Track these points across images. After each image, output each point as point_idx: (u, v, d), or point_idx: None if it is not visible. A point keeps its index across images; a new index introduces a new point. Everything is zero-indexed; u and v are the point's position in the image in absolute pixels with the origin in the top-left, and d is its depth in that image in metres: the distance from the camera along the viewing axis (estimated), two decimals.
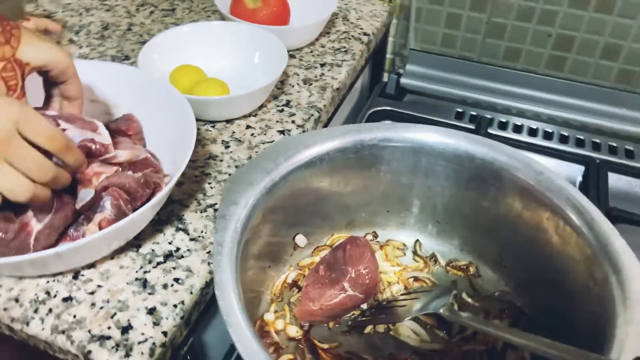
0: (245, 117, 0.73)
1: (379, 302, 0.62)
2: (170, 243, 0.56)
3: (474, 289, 0.64)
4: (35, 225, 0.47)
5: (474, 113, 1.01)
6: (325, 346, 0.57)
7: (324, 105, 0.77)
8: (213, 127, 0.72)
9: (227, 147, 0.69)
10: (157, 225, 0.58)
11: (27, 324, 0.48)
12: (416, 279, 0.64)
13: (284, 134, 0.71)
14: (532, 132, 0.98)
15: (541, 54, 1.02)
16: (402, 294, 0.63)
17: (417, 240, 0.69)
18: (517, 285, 0.63)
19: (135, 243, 0.56)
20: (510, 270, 0.63)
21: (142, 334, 0.48)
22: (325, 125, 0.81)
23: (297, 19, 0.92)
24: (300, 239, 0.65)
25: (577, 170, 0.91)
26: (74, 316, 0.49)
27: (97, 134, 0.52)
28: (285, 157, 0.56)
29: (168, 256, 0.55)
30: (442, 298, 0.56)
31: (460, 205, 0.64)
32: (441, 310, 0.54)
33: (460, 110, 1.02)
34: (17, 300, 0.50)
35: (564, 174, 0.92)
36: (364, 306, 0.62)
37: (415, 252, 0.68)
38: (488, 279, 0.65)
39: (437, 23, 1.05)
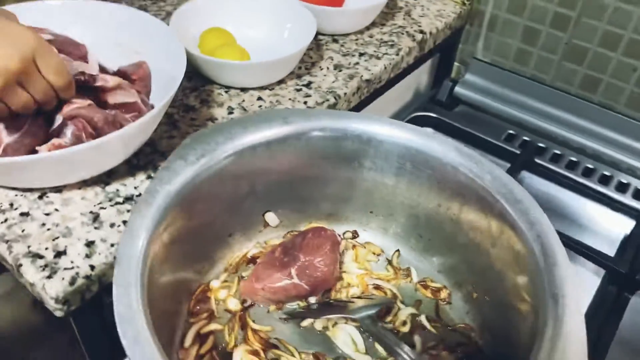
0: (260, 88, 0.73)
1: (329, 300, 0.59)
2: (135, 188, 0.58)
3: (438, 314, 0.59)
4: (5, 137, 0.51)
5: (527, 139, 0.92)
6: (257, 327, 0.56)
7: (344, 93, 0.74)
8: (226, 92, 0.72)
9: (230, 113, 0.69)
10: (132, 169, 0.60)
11: None
12: (377, 287, 0.60)
13: None
14: (588, 173, 0.87)
15: (622, 90, 0.90)
16: (353, 297, 0.59)
17: (398, 250, 0.64)
18: (483, 323, 0.56)
19: (105, 180, 0.58)
20: (480, 305, 0.57)
21: (72, 262, 0.50)
22: None
23: (354, 3, 0.90)
24: (271, 217, 0.63)
25: (625, 224, 0.80)
26: (23, 230, 0.52)
27: (85, 62, 0.54)
28: (258, 127, 0.55)
29: (128, 199, 0.57)
30: (372, 308, 0.52)
31: (442, 222, 0.59)
32: (356, 316, 0.50)
33: (513, 132, 0.93)
34: None
35: (608, 225, 0.81)
36: (313, 300, 0.59)
37: (390, 261, 0.63)
38: (457, 308, 0.59)
39: (513, 35, 0.96)
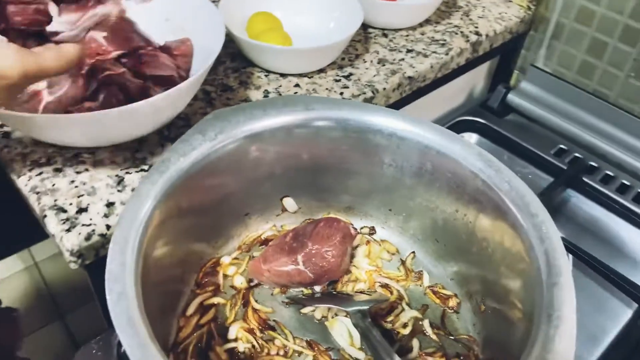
0: (300, 75, 0.74)
1: (332, 291, 0.59)
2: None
3: (443, 322, 0.57)
4: (46, 96, 0.54)
5: (578, 155, 0.87)
6: (257, 307, 0.57)
7: (384, 88, 0.73)
8: (266, 76, 0.73)
9: (265, 96, 0.70)
10: (162, 139, 0.63)
11: (19, 177, 0.57)
12: (385, 285, 0.59)
13: None
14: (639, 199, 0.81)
15: None
16: (357, 292, 0.58)
17: (413, 252, 0.63)
18: (487, 337, 0.54)
19: (136, 147, 0.61)
20: (487, 319, 0.55)
21: (90, 219, 0.53)
22: None
23: None
24: (289, 203, 0.64)
25: None
26: (53, 184, 0.56)
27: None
28: (280, 111, 0.55)
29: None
30: (367, 304, 0.51)
31: (458, 229, 0.57)
32: (348, 309, 0.49)
33: (564, 147, 0.88)
34: (24, 156, 0.59)
35: None
36: (317, 289, 0.59)
37: (403, 262, 0.62)
38: (464, 318, 0.57)
39: (578, 46, 0.91)
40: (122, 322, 0.37)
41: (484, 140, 0.90)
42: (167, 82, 0.60)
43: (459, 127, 0.90)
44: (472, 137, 0.90)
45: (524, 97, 0.92)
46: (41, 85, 0.54)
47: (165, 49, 0.65)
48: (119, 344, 0.56)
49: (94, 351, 0.56)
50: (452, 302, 0.58)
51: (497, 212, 0.50)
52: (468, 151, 0.53)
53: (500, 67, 1.02)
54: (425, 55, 0.80)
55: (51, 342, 1.40)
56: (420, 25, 0.87)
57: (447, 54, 0.81)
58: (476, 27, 0.88)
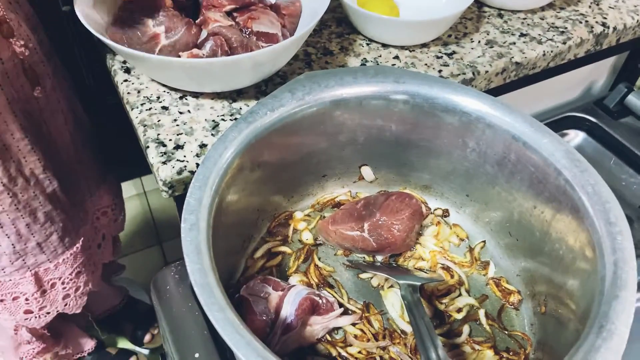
0: (401, 48, 0.73)
1: (393, 263, 0.60)
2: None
3: (500, 315, 0.56)
4: (163, 40, 0.60)
5: None
6: (320, 264, 0.60)
7: (486, 71, 0.71)
8: (368, 44, 0.74)
9: (363, 64, 0.71)
10: (259, 93, 0.66)
11: (132, 109, 0.64)
12: (447, 268, 0.59)
13: None
14: None
15: None
16: (417, 269, 0.59)
17: (484, 241, 0.62)
18: (542, 339, 0.53)
19: (234, 97, 0.65)
20: (546, 321, 0.53)
21: (184, 156, 0.59)
22: None
23: None
24: (367, 172, 0.65)
25: None
26: (159, 120, 0.62)
27: None
28: (369, 81, 0.56)
29: None
30: (419, 280, 0.52)
31: (533, 226, 0.55)
32: (400, 281, 0.50)
33: None
34: (139, 91, 0.66)
35: None
36: (379, 258, 0.61)
37: (471, 249, 0.62)
38: (522, 316, 0.56)
39: None
40: (190, 249, 0.42)
41: (590, 140, 0.83)
42: (271, 39, 0.64)
43: (565, 123, 0.85)
44: (579, 136, 0.84)
45: None
46: (159, 29, 0.60)
47: (275, 7, 0.68)
48: None
49: (172, 273, 0.63)
50: (514, 298, 0.57)
51: (575, 215, 0.48)
52: (556, 147, 0.51)
53: (627, 64, 0.93)
54: (540, 42, 0.75)
55: (148, 264, 1.56)
56: (542, 9, 0.82)
57: (564, 43, 0.76)
58: (604, 18, 0.80)
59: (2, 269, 0.74)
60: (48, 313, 0.82)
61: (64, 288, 0.81)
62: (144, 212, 1.70)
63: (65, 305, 0.83)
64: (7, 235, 0.71)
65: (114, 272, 1.25)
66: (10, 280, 0.76)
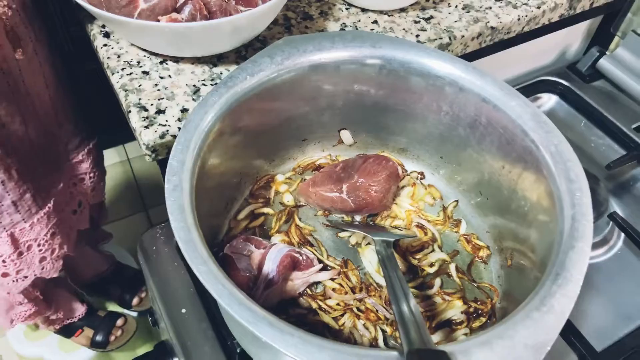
0: (380, 12, 0.74)
1: (371, 222, 0.63)
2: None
3: (469, 269, 0.60)
4: (142, 3, 0.60)
5: None
6: (301, 224, 0.62)
7: (462, 36, 0.72)
8: (347, 9, 0.75)
9: (342, 29, 0.72)
10: (239, 58, 0.67)
11: (113, 73, 0.64)
12: (421, 227, 0.62)
13: None
14: None
15: None
16: (393, 227, 0.62)
17: (456, 201, 0.65)
18: (507, 290, 0.56)
19: (215, 62, 0.66)
20: (511, 273, 0.57)
21: (166, 120, 0.60)
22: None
23: None
24: (346, 136, 0.67)
25: None
26: (140, 85, 0.63)
27: None
28: (346, 46, 0.58)
29: None
30: (393, 236, 0.55)
31: (502, 185, 0.58)
32: (375, 238, 0.53)
33: None
34: (119, 56, 0.66)
35: None
36: (357, 218, 0.63)
37: (445, 208, 0.65)
38: (490, 270, 0.60)
39: None
40: (174, 208, 0.44)
41: (563, 103, 0.86)
42: (250, 4, 0.64)
43: (539, 87, 0.87)
44: (551, 99, 0.87)
45: (616, 64, 0.86)
46: None
47: None
48: None
49: (158, 234, 0.65)
50: (483, 253, 0.61)
51: (539, 173, 0.51)
52: (524, 109, 0.53)
53: (600, 29, 0.95)
54: (515, 7, 0.77)
55: (134, 230, 1.58)
56: None
57: (538, 7, 0.78)
58: None
59: None
60: (25, 277, 0.83)
61: (40, 250, 0.82)
62: (128, 179, 1.71)
63: (42, 269, 0.84)
64: None
65: (101, 239, 1.27)
66: None
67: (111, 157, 1.75)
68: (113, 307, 1.31)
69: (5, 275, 0.81)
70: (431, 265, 0.59)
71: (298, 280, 0.55)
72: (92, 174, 0.94)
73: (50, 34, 0.79)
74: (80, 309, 1.11)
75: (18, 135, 0.72)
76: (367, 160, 0.62)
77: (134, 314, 1.31)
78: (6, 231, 0.77)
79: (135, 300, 1.29)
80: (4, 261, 0.79)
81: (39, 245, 0.80)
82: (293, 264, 0.54)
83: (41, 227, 0.80)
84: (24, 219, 0.77)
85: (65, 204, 0.88)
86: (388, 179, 0.61)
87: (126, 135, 1.55)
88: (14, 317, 0.93)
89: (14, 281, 0.81)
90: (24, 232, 0.78)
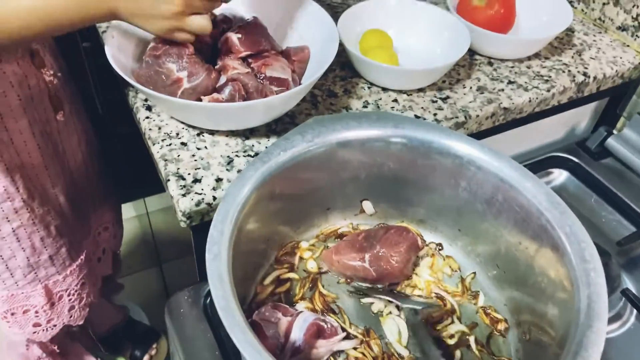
0: (399, 92, 0.80)
1: (392, 289, 0.65)
2: (266, 147, 0.70)
3: (488, 342, 0.61)
4: (185, 83, 0.66)
5: None
6: (324, 291, 0.65)
7: (477, 115, 0.77)
8: (369, 87, 0.81)
9: (365, 107, 0.77)
10: (270, 132, 0.72)
11: (154, 144, 0.69)
12: (440, 297, 0.65)
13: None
14: None
15: None
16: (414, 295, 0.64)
17: (474, 273, 0.68)
18: None
19: (247, 134, 0.71)
20: (530, 348, 0.58)
21: (202, 189, 0.64)
22: (476, 137, 0.81)
23: (522, 28, 0.91)
24: (367, 206, 0.71)
25: None
26: (178, 155, 0.68)
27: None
28: (372, 125, 0.63)
29: (257, 154, 0.69)
30: (420, 305, 0.57)
31: (519, 260, 0.61)
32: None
33: None
34: (159, 128, 0.71)
35: None
36: (379, 287, 0.66)
37: (463, 280, 0.67)
38: (508, 343, 0.62)
39: None
40: (214, 278, 0.47)
41: (573, 179, 0.90)
42: (282, 84, 0.70)
43: (550, 162, 0.91)
44: (562, 175, 0.91)
45: (623, 144, 0.91)
46: (182, 74, 0.66)
47: (286, 53, 0.74)
48: (206, 295, 0.67)
49: (185, 297, 0.68)
50: (501, 326, 0.62)
51: (555, 252, 0.54)
52: (538, 190, 0.57)
53: (608, 109, 1.01)
54: (526, 90, 0.83)
55: (147, 284, 1.59)
56: (529, 58, 0.89)
57: (548, 91, 0.83)
58: (586, 68, 0.88)
59: (16, 283, 0.79)
60: (55, 326, 0.86)
61: (70, 300, 0.85)
62: (143, 234, 1.74)
63: (71, 317, 0.88)
64: (22, 248, 0.76)
65: (114, 291, 1.29)
66: (23, 293, 0.80)
67: (127, 211, 1.79)
68: None
69: (36, 325, 0.84)
70: (451, 337, 0.61)
71: (322, 349, 0.57)
72: (114, 222, 0.99)
73: (83, 96, 0.86)
74: None
75: (52, 194, 0.77)
76: (388, 230, 0.65)
77: None
78: (41, 283, 0.80)
79: (146, 358, 1.30)
80: (36, 312, 0.82)
81: (69, 295, 0.84)
82: (318, 332, 0.56)
83: (73, 279, 0.83)
84: (58, 272, 0.81)
85: (93, 254, 0.92)
86: (408, 250, 0.64)
87: (147, 189, 1.60)
88: None
89: (43, 330, 0.84)
90: (57, 283, 0.81)
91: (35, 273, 0.79)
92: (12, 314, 0.82)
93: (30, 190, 0.73)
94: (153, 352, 1.31)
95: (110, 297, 1.27)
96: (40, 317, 0.83)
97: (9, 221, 0.72)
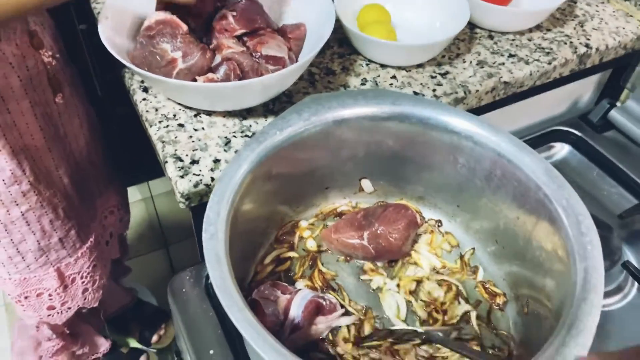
0: (398, 68, 0.79)
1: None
2: (263, 127, 0.70)
3: (489, 317, 0.62)
4: (180, 64, 0.65)
5: None
6: (324, 269, 0.65)
7: (476, 90, 0.77)
8: (367, 64, 0.80)
9: (363, 84, 0.77)
10: (267, 111, 0.72)
11: (151, 126, 0.69)
12: (443, 282, 0.64)
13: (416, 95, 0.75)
14: None
15: None
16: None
17: (473, 248, 0.68)
18: (524, 338, 0.58)
19: (244, 115, 0.71)
20: (528, 321, 0.59)
21: (200, 170, 0.64)
22: (476, 112, 0.81)
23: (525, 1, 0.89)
24: (366, 184, 0.71)
25: None
26: (175, 137, 0.68)
27: None
28: (368, 103, 0.62)
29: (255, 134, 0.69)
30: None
31: (517, 235, 0.61)
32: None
33: None
34: (156, 109, 0.71)
35: None
36: (379, 263, 0.66)
37: (462, 256, 0.67)
38: (507, 317, 0.62)
39: None
40: (211, 257, 0.47)
41: (575, 153, 0.89)
42: (278, 62, 0.69)
43: (552, 137, 0.90)
44: (564, 149, 0.90)
45: (627, 116, 0.90)
46: (177, 54, 0.65)
47: (282, 31, 0.74)
48: (207, 276, 0.67)
49: (187, 277, 0.69)
50: (499, 300, 0.63)
51: (552, 225, 0.53)
52: (537, 164, 0.56)
53: (611, 81, 0.99)
54: (527, 62, 0.81)
55: (154, 266, 1.61)
56: (530, 30, 0.87)
57: (549, 64, 0.82)
58: (588, 39, 0.86)
59: (28, 266, 0.80)
60: (69, 308, 0.88)
61: (83, 282, 0.87)
62: (149, 217, 1.75)
63: (85, 299, 0.89)
64: (32, 232, 0.77)
65: (122, 273, 1.31)
66: (35, 276, 0.82)
67: (133, 194, 1.80)
68: (133, 343, 1.33)
69: (51, 307, 0.85)
70: (454, 316, 0.61)
71: (322, 325, 0.57)
72: (120, 206, 1.00)
73: (83, 78, 0.85)
74: (105, 345, 1.13)
75: (57, 177, 0.77)
76: (387, 208, 0.65)
77: (154, 351, 1.33)
78: (53, 266, 0.81)
79: (154, 338, 1.32)
80: (50, 295, 0.83)
81: (82, 277, 0.85)
82: (317, 309, 0.57)
83: (84, 261, 0.84)
84: (69, 254, 0.82)
85: (101, 237, 0.93)
86: (407, 227, 0.64)
87: (151, 173, 1.61)
88: (42, 353, 0.96)
89: (58, 313, 0.86)
90: (69, 266, 0.83)
91: (47, 256, 0.80)
92: (26, 297, 0.83)
93: (36, 173, 0.73)
94: (162, 332, 1.33)
95: (119, 280, 1.29)
96: (54, 300, 0.85)
97: (17, 205, 0.73)
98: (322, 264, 0.66)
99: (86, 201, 0.87)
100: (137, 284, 1.41)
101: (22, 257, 0.79)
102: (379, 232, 0.63)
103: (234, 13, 0.70)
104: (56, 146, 0.76)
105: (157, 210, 1.77)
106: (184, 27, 0.66)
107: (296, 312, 0.55)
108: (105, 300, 1.23)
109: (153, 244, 1.67)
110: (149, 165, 1.02)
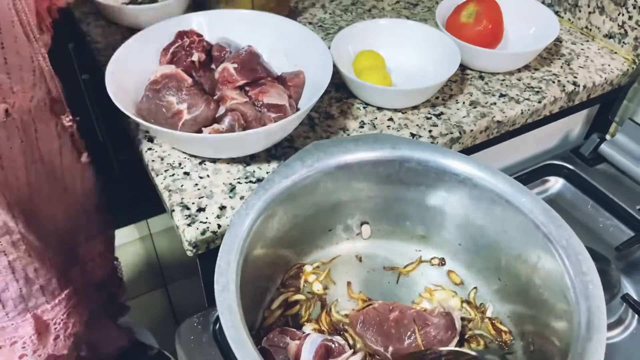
0: (394, 110, 0.82)
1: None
2: (267, 172, 0.72)
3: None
4: (186, 115, 0.68)
5: None
6: (334, 315, 0.66)
7: (471, 130, 0.79)
8: (364, 107, 0.82)
9: (361, 127, 0.79)
10: (270, 157, 0.74)
11: (157, 175, 0.71)
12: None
13: (413, 137, 0.78)
14: None
15: None
16: None
17: (475, 287, 0.69)
18: None
19: (248, 161, 0.73)
20: (534, 359, 0.60)
21: (206, 218, 0.66)
22: (469, 152, 0.83)
23: (510, 41, 0.93)
24: (365, 230, 0.72)
25: None
26: (182, 185, 0.69)
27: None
28: (370, 148, 0.64)
29: (259, 180, 0.71)
30: None
31: (519, 272, 0.62)
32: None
33: None
34: (162, 159, 0.73)
35: None
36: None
37: (468, 302, 0.68)
38: (515, 356, 0.62)
39: None
40: (224, 308, 0.48)
41: (569, 186, 0.91)
42: (279, 110, 0.72)
43: (546, 171, 0.93)
44: (558, 182, 0.92)
45: (617, 149, 0.92)
46: (182, 106, 0.67)
47: (281, 79, 0.76)
48: (215, 321, 0.68)
49: (195, 324, 0.69)
50: (506, 337, 0.64)
51: (553, 264, 0.55)
52: (534, 205, 0.58)
53: (599, 115, 1.03)
54: (518, 102, 0.84)
55: (154, 306, 1.61)
56: (519, 70, 0.91)
57: (539, 102, 0.85)
58: (575, 77, 0.90)
59: (7, 314, 0.77)
60: (39, 356, 0.85)
61: (55, 329, 0.84)
62: (148, 255, 1.75)
63: (55, 346, 0.86)
64: (16, 280, 0.75)
65: (119, 312, 1.30)
66: (13, 324, 0.79)
67: (131, 233, 1.80)
68: None
69: (22, 356, 0.83)
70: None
71: None
72: (102, 256, 0.99)
73: (84, 126, 0.87)
74: None
75: (48, 227, 0.78)
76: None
77: None
78: (30, 313, 0.80)
79: None
80: (24, 343, 0.81)
81: (55, 324, 0.83)
82: (327, 353, 0.58)
83: (60, 308, 0.83)
84: (47, 301, 0.80)
85: (79, 283, 0.92)
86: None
87: (150, 210, 1.61)
88: None
89: None
90: (45, 312, 0.81)
91: (26, 303, 0.79)
92: (0, 348, 0.81)
93: (28, 224, 0.73)
94: None
95: (116, 319, 1.28)
96: (27, 348, 0.82)
97: (5, 255, 0.73)
98: (330, 309, 0.67)
99: (72, 248, 0.87)
100: (136, 323, 1.40)
101: (2, 305, 0.78)
102: (404, 346, 0.62)
103: (235, 65, 0.73)
104: (53, 196, 0.77)
105: (156, 248, 1.77)
106: (189, 80, 0.68)
107: (307, 357, 0.56)
108: (100, 341, 1.22)
109: (151, 283, 1.67)
110: (149, 204, 1.03)
